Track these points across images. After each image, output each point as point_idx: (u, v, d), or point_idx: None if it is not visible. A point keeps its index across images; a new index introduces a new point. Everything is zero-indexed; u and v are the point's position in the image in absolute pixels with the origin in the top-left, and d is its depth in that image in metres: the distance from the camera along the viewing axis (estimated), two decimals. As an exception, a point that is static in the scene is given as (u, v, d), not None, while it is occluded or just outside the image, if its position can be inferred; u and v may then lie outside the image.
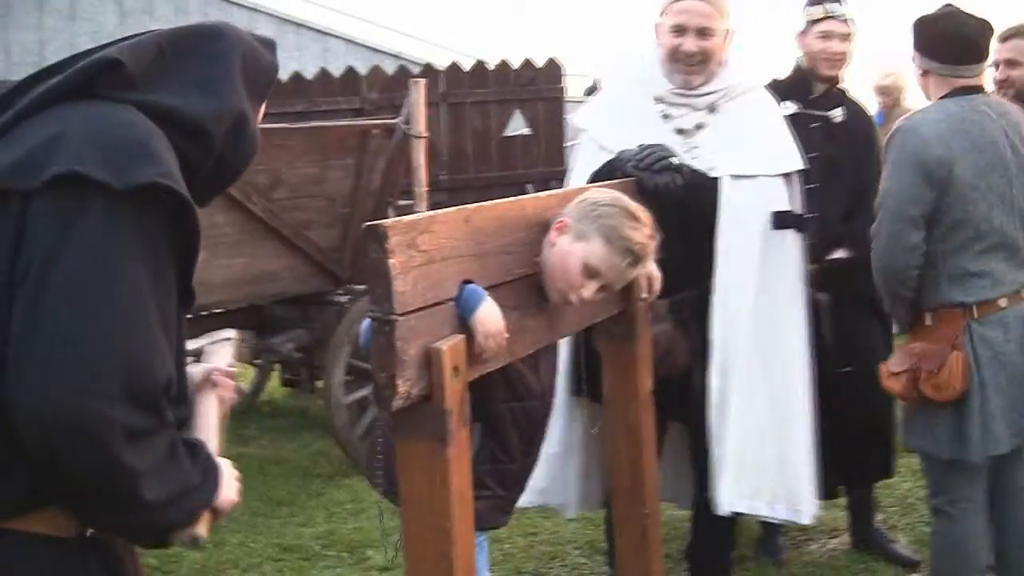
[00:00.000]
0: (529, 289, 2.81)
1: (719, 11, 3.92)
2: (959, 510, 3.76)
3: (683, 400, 3.89)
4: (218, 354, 2.51)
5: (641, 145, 3.67)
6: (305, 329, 6.80)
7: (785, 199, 3.99)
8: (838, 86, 4.70)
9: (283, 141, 6.10)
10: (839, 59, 4.61)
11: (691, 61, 3.91)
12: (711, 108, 3.95)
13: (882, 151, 3.97)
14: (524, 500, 3.96)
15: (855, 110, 4.75)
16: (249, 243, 6.10)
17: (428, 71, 10.15)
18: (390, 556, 3.24)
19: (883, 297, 3.88)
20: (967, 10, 3.79)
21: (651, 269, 3.18)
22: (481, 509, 2.51)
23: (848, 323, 4.53)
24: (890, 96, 8.52)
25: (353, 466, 6.02)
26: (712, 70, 3.97)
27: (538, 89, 10.01)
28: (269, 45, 2.17)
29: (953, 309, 3.67)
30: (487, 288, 2.53)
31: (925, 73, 3.80)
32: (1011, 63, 4.35)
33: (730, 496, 3.83)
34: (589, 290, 2.79)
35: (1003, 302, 3.65)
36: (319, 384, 6.82)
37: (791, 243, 3.99)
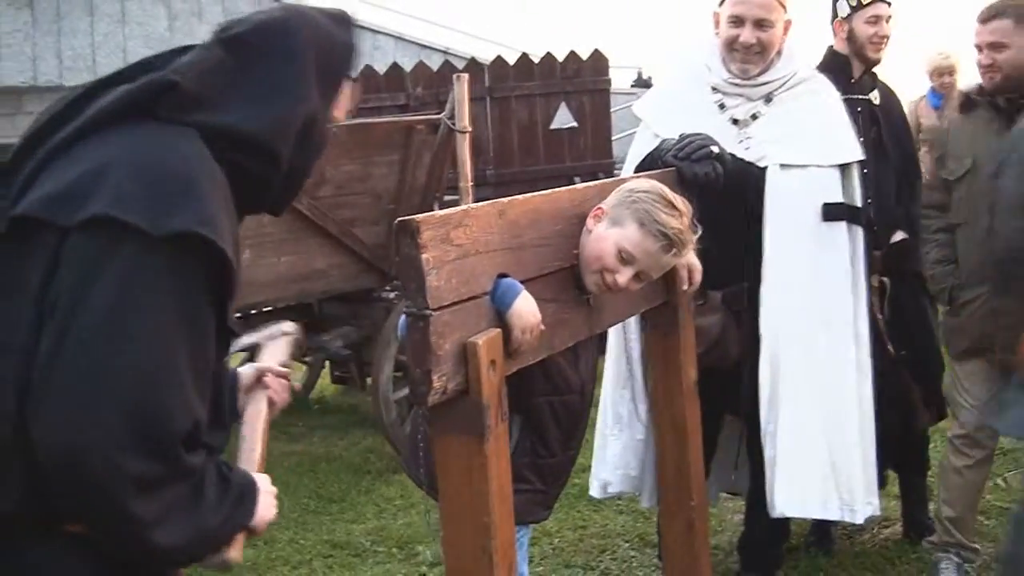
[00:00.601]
0: (567, 282, 2.79)
1: (778, 1, 3.90)
2: None
3: (736, 392, 3.86)
4: (273, 351, 2.50)
5: (682, 134, 3.64)
6: (354, 326, 6.83)
7: (838, 190, 3.93)
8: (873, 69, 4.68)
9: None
10: (886, 42, 4.58)
11: (749, 52, 3.89)
12: (767, 98, 3.92)
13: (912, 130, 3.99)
14: (620, 488, 4.00)
15: (886, 91, 4.76)
16: (295, 241, 6.14)
17: (473, 65, 10.13)
18: (437, 551, 3.25)
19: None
20: None
21: (691, 259, 3.15)
22: (520, 503, 2.49)
23: (906, 304, 4.62)
24: (950, 77, 8.37)
25: (401, 464, 6.04)
26: (769, 60, 3.95)
27: (584, 81, 9.95)
28: (343, 22, 2.11)
29: None
30: (523, 282, 2.51)
31: None
32: (996, 46, 4.14)
33: (784, 498, 3.80)
34: (624, 276, 2.76)
35: None
36: (369, 381, 6.84)
37: (844, 235, 3.93)
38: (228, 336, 1.93)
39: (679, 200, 2.84)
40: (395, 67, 10.20)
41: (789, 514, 3.88)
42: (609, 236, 2.75)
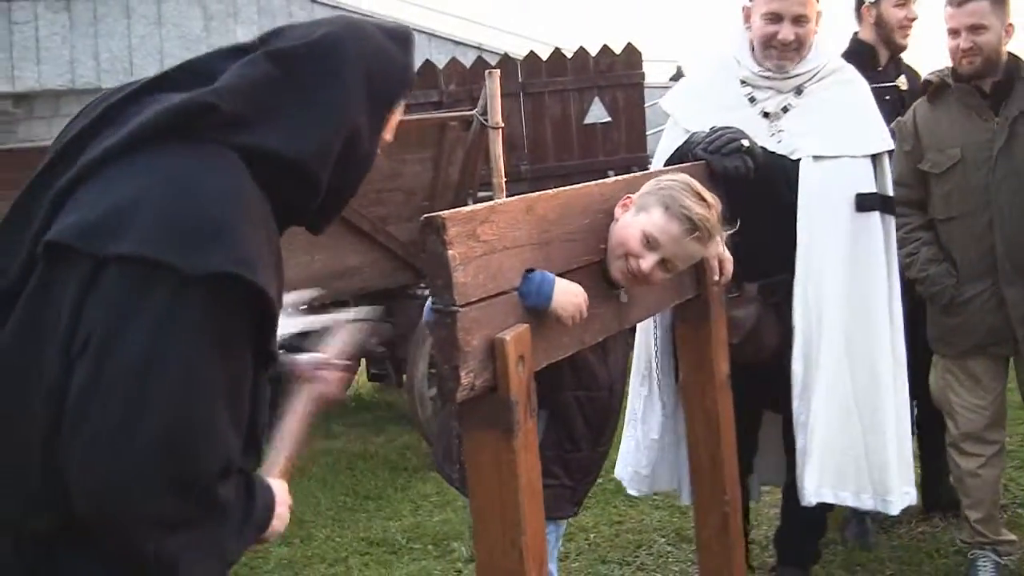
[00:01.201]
0: (596, 276, 2.78)
1: None
2: None
3: (775, 387, 3.83)
4: (335, 340, 2.50)
5: (712, 127, 3.62)
6: (389, 323, 6.84)
7: (871, 180, 3.91)
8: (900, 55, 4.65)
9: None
10: (913, 25, 4.54)
11: (787, 49, 3.86)
12: (798, 90, 3.89)
13: None
14: (631, 488, 3.96)
15: (911, 75, 4.72)
16: (329, 239, 6.13)
17: (506, 61, 10.12)
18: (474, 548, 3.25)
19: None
20: None
21: (721, 251, 3.13)
22: (546, 498, 2.48)
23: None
24: None
25: (433, 461, 6.05)
26: (803, 53, 3.92)
27: (617, 76, 9.91)
28: (401, 41, 2.02)
29: None
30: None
31: None
32: (975, 28, 4.04)
33: (815, 485, 3.78)
34: (648, 261, 2.72)
35: None
36: (405, 378, 6.86)
37: (879, 225, 3.91)
38: (270, 361, 1.89)
39: (709, 195, 2.83)
40: (428, 64, 10.20)
41: (820, 501, 3.84)
42: (635, 222, 2.75)
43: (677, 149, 3.74)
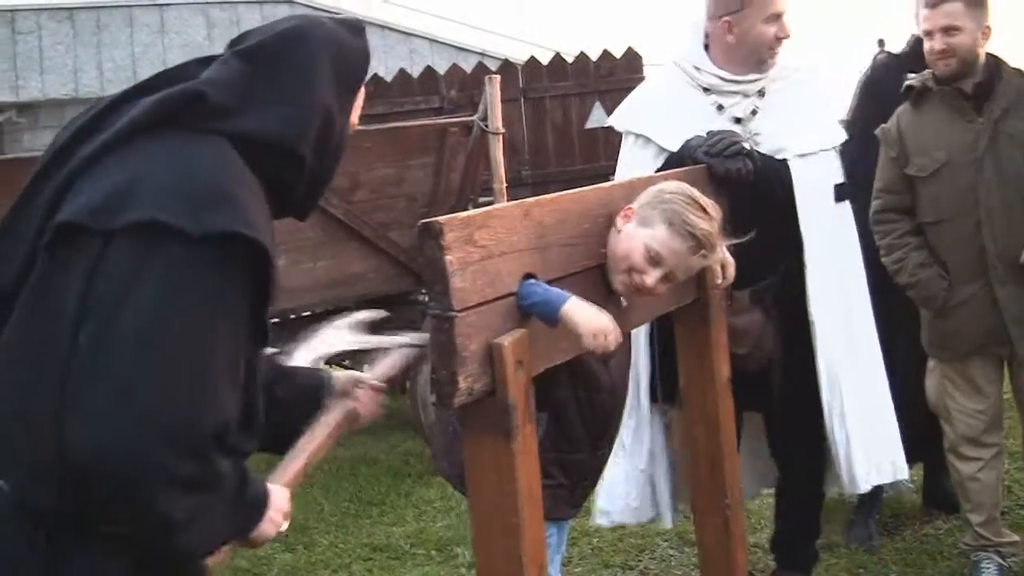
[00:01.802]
0: (595, 281, 2.78)
1: None
2: None
3: (760, 389, 3.84)
4: (383, 364, 2.51)
5: (710, 132, 3.63)
6: (391, 329, 6.83)
7: (840, 171, 3.99)
8: None
9: (361, 143, 6.12)
10: None
11: (781, 45, 3.88)
12: (760, 92, 3.89)
13: None
14: (621, 519, 3.98)
15: None
16: (331, 246, 6.16)
17: (506, 66, 10.15)
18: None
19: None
20: None
21: (723, 255, 3.13)
22: (545, 498, 2.48)
23: None
24: None
25: (435, 464, 6.06)
26: None
27: (618, 80, 9.93)
28: (356, 30, 2.16)
29: None
30: (549, 281, 2.51)
31: None
32: (949, 30, 4.03)
33: (864, 473, 3.88)
34: (652, 277, 2.74)
35: None
36: (408, 384, 6.86)
37: (851, 213, 4.00)
38: (264, 336, 1.95)
39: (710, 204, 2.82)
40: (429, 70, 10.24)
41: (869, 487, 4.00)
42: (638, 235, 2.74)
43: (674, 155, 3.74)
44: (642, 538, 5.06)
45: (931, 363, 4.38)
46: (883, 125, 4.32)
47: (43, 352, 1.76)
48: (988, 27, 4.11)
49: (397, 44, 16.50)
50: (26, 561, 1.78)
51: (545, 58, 10.33)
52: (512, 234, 2.44)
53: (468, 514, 3.54)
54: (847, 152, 4.33)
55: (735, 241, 3.01)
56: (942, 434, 4.45)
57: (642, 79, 10.04)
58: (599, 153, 9.80)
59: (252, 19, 16.03)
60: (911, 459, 4.56)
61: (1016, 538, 4.42)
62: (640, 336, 3.71)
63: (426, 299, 6.56)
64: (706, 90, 3.90)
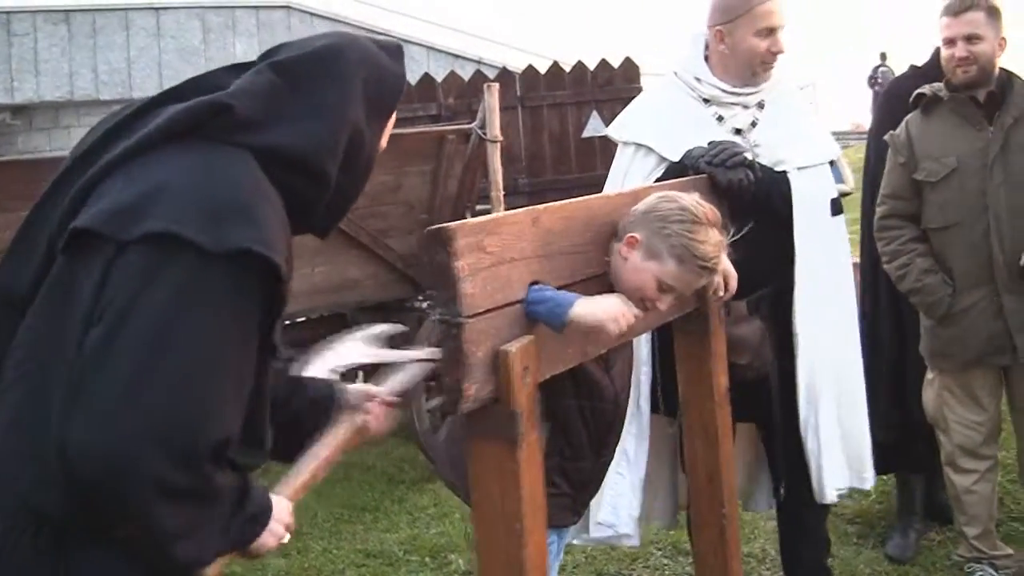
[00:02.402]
0: (600, 289, 2.78)
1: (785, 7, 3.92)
2: None
3: (757, 399, 3.85)
4: (398, 378, 2.51)
5: (711, 142, 3.64)
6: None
7: (834, 185, 4.00)
8: None
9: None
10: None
11: (776, 59, 3.88)
12: (760, 105, 3.91)
13: None
14: (625, 531, 3.94)
15: None
16: (329, 252, 6.15)
17: (504, 75, 10.16)
18: (472, 559, 3.25)
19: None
20: None
21: (726, 266, 3.14)
22: (548, 506, 2.49)
23: None
24: None
25: (436, 471, 6.05)
26: None
27: (615, 89, 9.96)
28: (395, 53, 2.15)
29: None
30: (557, 288, 2.52)
31: None
32: (972, 38, 4.09)
33: (833, 483, 3.89)
34: (664, 303, 2.81)
35: None
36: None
37: (844, 227, 4.02)
38: (272, 352, 1.95)
39: (710, 212, 2.82)
40: (427, 77, 10.25)
41: (836, 498, 3.98)
42: (648, 269, 2.75)
43: (674, 164, 3.75)
44: (636, 547, 5.06)
45: (930, 374, 4.39)
46: (892, 131, 4.36)
47: (53, 356, 1.77)
48: (1004, 38, 4.17)
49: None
50: (33, 565, 1.78)
51: (543, 67, 10.35)
52: (520, 241, 2.45)
53: (463, 521, 3.56)
54: (873, 161, 4.36)
55: (730, 247, 3.03)
56: (934, 447, 4.48)
57: (639, 89, 10.10)
58: (596, 162, 9.82)
59: (248, 23, 16.06)
60: (913, 469, 4.61)
61: (1010, 551, 4.44)
62: (641, 345, 3.72)
63: (423, 306, 6.62)
64: (706, 101, 3.91)
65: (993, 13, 4.12)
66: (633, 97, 9.99)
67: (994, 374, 4.28)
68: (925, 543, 4.86)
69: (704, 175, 3.57)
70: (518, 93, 9.86)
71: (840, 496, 4.08)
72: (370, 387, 2.43)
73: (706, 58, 3.95)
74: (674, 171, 3.72)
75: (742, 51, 3.86)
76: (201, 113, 1.87)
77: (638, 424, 3.83)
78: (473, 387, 2.26)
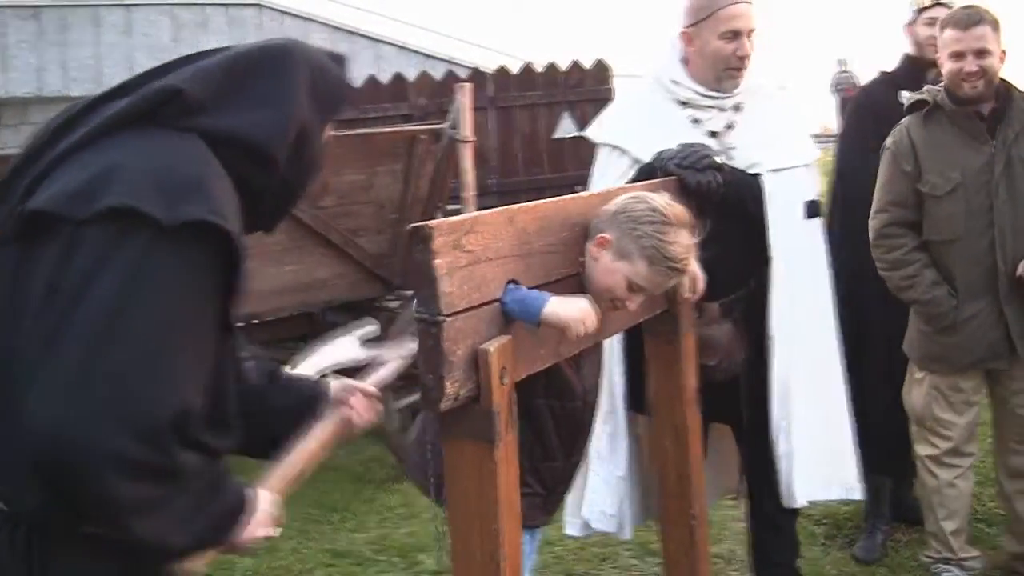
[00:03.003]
0: (573, 289, 2.79)
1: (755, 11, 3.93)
2: None
3: (729, 401, 3.87)
4: (377, 372, 2.51)
5: (682, 144, 3.66)
6: (355, 335, 6.81)
7: (813, 188, 4.04)
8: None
9: (330, 149, 6.08)
10: None
11: (744, 63, 3.89)
12: (736, 107, 3.93)
13: None
14: (599, 527, 3.96)
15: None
16: (299, 251, 6.14)
17: (476, 75, 10.16)
18: (441, 559, 3.24)
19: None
20: None
21: (693, 269, 3.16)
22: (520, 506, 2.50)
23: None
24: None
25: (405, 471, 6.04)
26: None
27: (587, 91, 9.99)
28: (340, 61, 2.19)
29: None
30: (531, 288, 2.53)
31: None
32: (982, 52, 4.12)
33: (805, 489, 3.90)
34: (634, 303, 2.84)
35: None
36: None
37: (819, 230, 4.04)
38: (232, 331, 1.95)
39: (680, 213, 2.84)
40: (398, 77, 10.23)
41: (808, 502, 3.98)
42: (618, 270, 2.77)
43: (646, 165, 3.76)
44: (605, 547, 5.07)
45: (918, 374, 4.43)
46: (892, 137, 4.36)
47: (15, 344, 1.75)
48: (1004, 51, 4.21)
49: (364, 50, 16.48)
50: (7, 563, 1.77)
51: (514, 67, 10.35)
52: (498, 240, 2.46)
53: (432, 521, 3.53)
54: (844, 167, 4.39)
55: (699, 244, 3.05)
56: (907, 447, 4.52)
57: (611, 90, 10.15)
58: (567, 163, 9.84)
59: (219, 21, 15.97)
60: (880, 471, 4.65)
61: (977, 553, 4.48)
62: (615, 344, 3.73)
63: (393, 306, 6.60)
64: (683, 104, 3.93)
65: (996, 27, 4.16)
66: (605, 99, 10.14)
67: (981, 375, 4.36)
68: (892, 544, 4.91)
69: (673, 177, 3.58)
70: (490, 94, 9.86)
71: (814, 504, 4.10)
72: (352, 381, 2.43)
73: (684, 61, 3.97)
74: (644, 172, 3.73)
75: (708, 54, 3.88)
76: (152, 99, 1.89)
77: (613, 421, 3.85)
78: (453, 386, 2.26)
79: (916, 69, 4.69)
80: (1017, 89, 4.26)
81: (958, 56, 4.16)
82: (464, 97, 6.56)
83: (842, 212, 4.67)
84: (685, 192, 3.52)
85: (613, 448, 3.90)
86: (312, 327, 6.73)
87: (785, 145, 3.96)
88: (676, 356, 3.40)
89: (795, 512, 4.14)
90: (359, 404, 2.40)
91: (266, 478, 2.19)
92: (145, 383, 1.70)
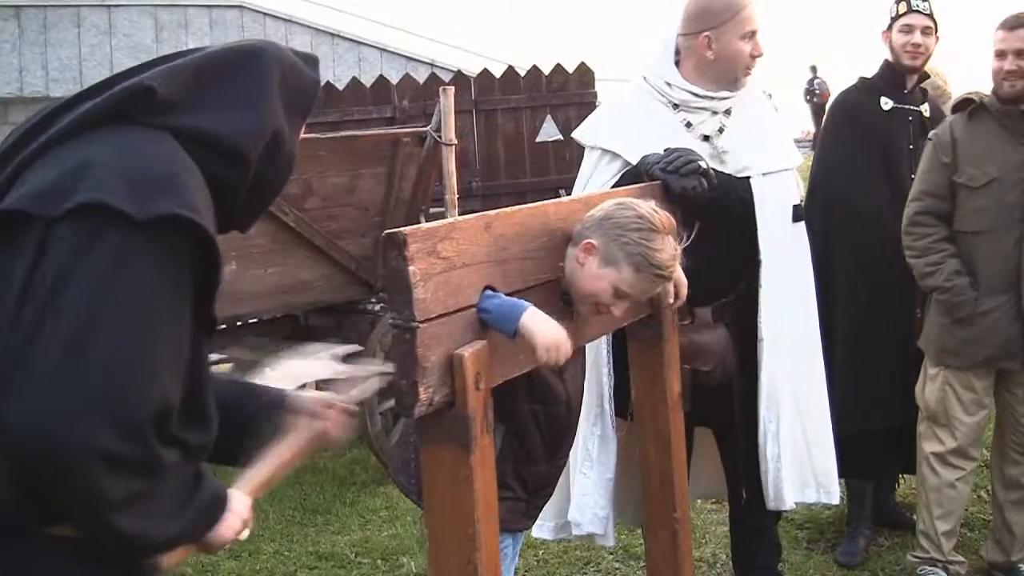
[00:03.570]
0: (552, 294, 2.80)
1: None
2: None
3: (719, 405, 3.87)
4: (354, 387, 2.50)
5: (667, 148, 3.65)
6: (339, 338, 6.82)
7: (798, 192, 4.06)
8: (922, 84, 4.83)
9: (313, 151, 6.10)
10: (920, 51, 4.70)
11: (756, 63, 3.91)
12: (727, 111, 3.93)
13: None
14: (591, 529, 3.93)
15: (935, 107, 4.90)
16: (282, 253, 6.13)
17: (459, 78, 10.17)
18: (422, 563, 3.25)
19: None
20: None
21: (677, 275, 3.16)
22: (502, 510, 2.50)
23: None
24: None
25: (388, 474, 6.04)
26: None
27: (570, 94, 9.99)
28: (311, 62, 2.18)
29: None
30: (508, 294, 2.53)
31: None
32: (1022, 53, 4.22)
33: (793, 490, 3.90)
34: (619, 309, 2.85)
35: None
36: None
37: (805, 233, 4.05)
38: (210, 325, 1.94)
39: (665, 219, 2.84)
40: (382, 79, 10.23)
41: (793, 506, 3.98)
42: (604, 276, 2.77)
43: (630, 170, 3.75)
44: (588, 551, 5.07)
45: (932, 370, 4.46)
46: (936, 131, 4.46)
47: None
48: None
49: (346, 52, 16.50)
50: None
51: (498, 70, 10.35)
52: (474, 246, 2.46)
53: (414, 523, 3.56)
54: (820, 170, 4.41)
55: (683, 251, 3.05)
56: (893, 450, 4.56)
57: (594, 94, 10.14)
58: (549, 167, 9.84)
59: (201, 22, 15.96)
60: (863, 475, 4.67)
61: (962, 558, 4.50)
62: (601, 347, 3.73)
63: (376, 308, 6.60)
64: (675, 107, 3.93)
65: None
66: (588, 102, 10.13)
67: (993, 376, 4.39)
68: (874, 548, 4.92)
69: (658, 182, 3.58)
70: (473, 97, 9.86)
71: (800, 506, 4.11)
72: (329, 395, 2.43)
73: (676, 63, 3.97)
74: (630, 176, 3.72)
75: (728, 56, 3.87)
76: (124, 97, 1.89)
77: (602, 424, 3.85)
78: (427, 392, 2.27)
79: (896, 75, 4.73)
80: None
81: (1000, 55, 4.28)
82: (448, 100, 6.56)
83: (821, 214, 4.69)
84: (670, 197, 3.52)
85: (603, 449, 3.89)
86: (296, 329, 6.73)
87: (774, 149, 3.97)
88: (659, 361, 3.40)
89: (778, 516, 4.15)
90: (336, 419, 2.39)
91: (241, 479, 2.18)
92: (126, 378, 1.69)
